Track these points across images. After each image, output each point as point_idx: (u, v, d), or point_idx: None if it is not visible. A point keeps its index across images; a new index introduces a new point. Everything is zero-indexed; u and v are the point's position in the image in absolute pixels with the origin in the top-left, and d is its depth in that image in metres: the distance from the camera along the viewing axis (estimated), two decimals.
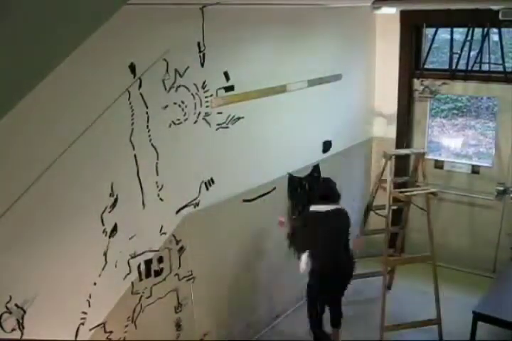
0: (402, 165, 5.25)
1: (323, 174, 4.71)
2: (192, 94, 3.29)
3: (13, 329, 2.50)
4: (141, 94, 2.95)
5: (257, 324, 4.31)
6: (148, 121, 3.04)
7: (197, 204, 3.51)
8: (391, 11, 4.43)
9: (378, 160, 4.69)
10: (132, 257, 3.11)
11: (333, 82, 4.61)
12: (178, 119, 3.24)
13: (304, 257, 3.74)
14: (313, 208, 3.74)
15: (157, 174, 3.17)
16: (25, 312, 2.53)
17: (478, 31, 4.56)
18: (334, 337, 4.00)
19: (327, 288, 3.76)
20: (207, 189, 3.56)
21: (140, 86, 2.94)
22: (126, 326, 3.15)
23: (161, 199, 3.23)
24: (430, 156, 5.24)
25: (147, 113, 3.02)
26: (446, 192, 5.17)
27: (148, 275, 3.24)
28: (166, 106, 3.14)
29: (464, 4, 4.05)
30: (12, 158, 2.40)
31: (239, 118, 3.69)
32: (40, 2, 1.12)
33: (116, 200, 2.93)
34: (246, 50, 3.67)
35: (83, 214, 2.78)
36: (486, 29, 4.49)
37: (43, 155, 2.53)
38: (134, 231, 3.08)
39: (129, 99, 2.89)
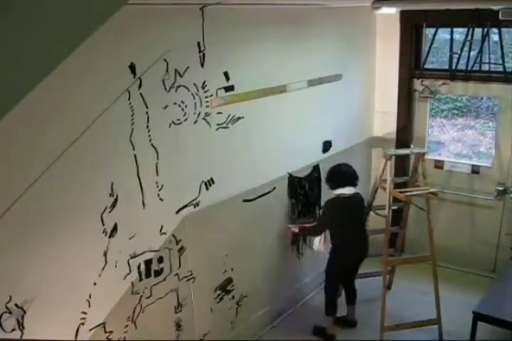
0: (402, 165, 5.25)
1: (323, 174, 4.71)
2: (192, 94, 3.29)
3: (13, 330, 2.50)
4: (141, 94, 2.95)
5: (257, 324, 4.30)
6: (148, 121, 3.04)
7: (197, 204, 3.51)
8: (391, 11, 4.42)
9: (378, 160, 4.68)
10: (132, 257, 3.11)
11: (333, 82, 4.61)
12: (178, 119, 3.24)
13: (317, 239, 4.26)
14: (339, 191, 4.07)
15: (157, 174, 3.17)
16: (25, 312, 2.53)
17: (478, 31, 4.55)
18: (350, 314, 4.44)
19: (349, 261, 4.20)
20: (207, 189, 3.56)
21: (140, 86, 2.94)
22: (126, 326, 3.15)
23: (161, 199, 3.23)
24: (430, 156, 5.23)
25: (147, 113, 3.02)
26: (446, 192, 5.17)
27: (148, 275, 3.24)
28: (166, 106, 3.14)
29: (464, 4, 4.05)
30: (12, 157, 2.40)
31: (239, 118, 3.69)
32: (40, 2, 1.12)
33: (116, 200, 2.93)
34: (246, 50, 3.67)
35: (83, 214, 2.78)
36: (486, 29, 4.49)
37: (43, 155, 2.53)
38: (134, 231, 3.08)
39: (129, 99, 2.89)
